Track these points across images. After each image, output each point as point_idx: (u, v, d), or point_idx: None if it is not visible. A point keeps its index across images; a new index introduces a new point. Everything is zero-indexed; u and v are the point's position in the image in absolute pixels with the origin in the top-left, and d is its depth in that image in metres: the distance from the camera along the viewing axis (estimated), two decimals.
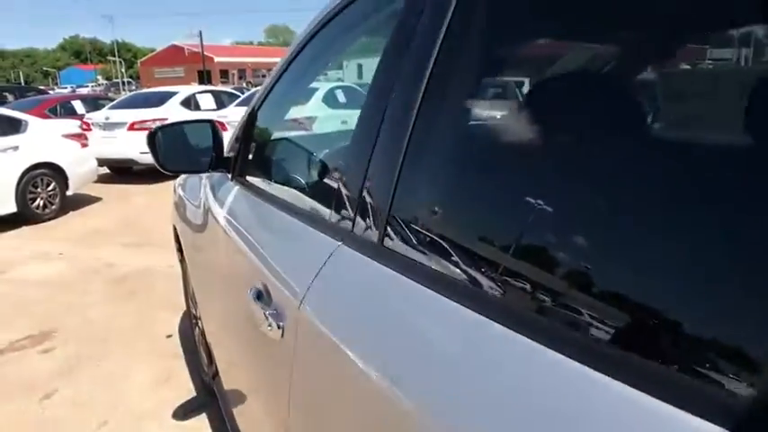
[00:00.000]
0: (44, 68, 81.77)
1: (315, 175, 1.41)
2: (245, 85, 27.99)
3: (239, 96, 10.24)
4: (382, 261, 0.79)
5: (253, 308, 1.14)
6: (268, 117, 1.72)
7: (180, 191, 2.61)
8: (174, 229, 2.73)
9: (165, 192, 5.20)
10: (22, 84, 52.60)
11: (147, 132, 1.67)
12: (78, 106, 10.74)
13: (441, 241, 0.73)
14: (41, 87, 27.35)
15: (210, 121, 1.81)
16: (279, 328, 0.98)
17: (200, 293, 2.23)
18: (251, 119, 1.74)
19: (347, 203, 0.95)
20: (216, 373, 2.09)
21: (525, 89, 0.78)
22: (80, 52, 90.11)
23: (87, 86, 45.52)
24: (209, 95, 10.06)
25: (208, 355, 2.31)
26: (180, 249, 2.73)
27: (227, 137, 1.89)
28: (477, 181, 0.72)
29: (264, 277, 1.13)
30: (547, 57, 0.92)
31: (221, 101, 10.00)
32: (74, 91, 29.40)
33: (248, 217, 1.53)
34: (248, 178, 1.70)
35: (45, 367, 2.95)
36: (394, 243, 0.80)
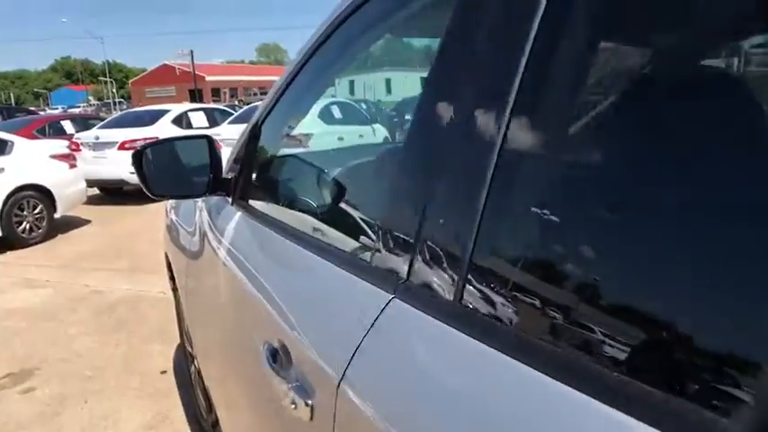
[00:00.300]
0: (35, 89, 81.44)
1: (343, 202, 1.18)
2: (237, 103, 27.83)
3: (232, 114, 10.04)
4: (463, 328, 0.57)
5: (266, 371, 0.91)
6: (274, 133, 1.50)
7: (173, 215, 2.38)
8: (167, 256, 2.50)
9: (157, 213, 4.97)
10: (13, 105, 52.28)
11: (132, 151, 1.44)
12: (68, 126, 10.48)
13: (554, 306, 0.51)
14: (31, 108, 27.09)
15: (207, 137, 1.58)
16: (307, 406, 0.74)
17: (197, 332, 1.99)
18: (253, 135, 1.52)
19: (398, 242, 0.72)
20: (216, 422, 1.84)
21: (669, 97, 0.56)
22: (71, 73, 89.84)
23: (79, 107, 45.25)
24: (202, 113, 9.87)
25: (206, 399, 2.06)
26: (173, 278, 2.50)
27: (224, 156, 1.66)
28: (607, 223, 0.50)
29: (282, 333, 0.90)
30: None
31: (214, 118, 9.80)
32: (65, 111, 29.13)
33: (255, 250, 1.30)
34: (252, 202, 1.48)
35: (26, 410, 2.69)
36: (481, 304, 0.57)
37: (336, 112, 8.61)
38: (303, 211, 1.28)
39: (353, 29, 1.13)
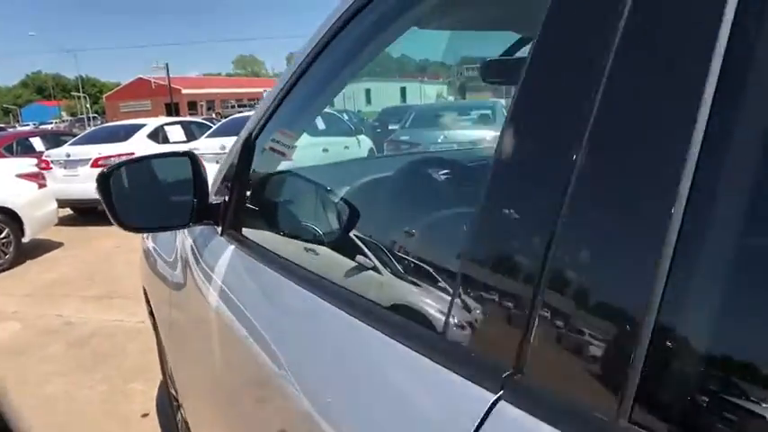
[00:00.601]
0: (5, 105, 79.62)
1: (383, 237, 0.90)
2: (214, 116, 27.42)
3: (210, 127, 9.72)
4: None
5: None
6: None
7: (150, 242, 2.09)
8: (144, 290, 2.21)
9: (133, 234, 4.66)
10: None
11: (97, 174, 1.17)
12: (37, 143, 10.04)
13: None
14: (0, 125, 26.38)
15: (189, 154, 1.31)
16: None
17: (183, 380, 1.71)
18: (246, 151, 1.26)
19: (498, 306, 0.47)
20: None
21: None
22: (43, 88, 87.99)
23: (51, 123, 44.24)
24: (179, 127, 9.54)
25: None
26: (152, 312, 2.21)
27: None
28: None
29: (309, 424, 0.64)
30: None
31: (191, 132, 9.48)
32: (36, 128, 28.34)
33: (256, 297, 1.04)
34: (247, 233, 1.22)
35: None
36: (669, 426, 0.35)
37: (320, 123, 8.37)
38: (319, 246, 1.02)
39: (362, 29, 0.94)
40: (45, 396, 2.99)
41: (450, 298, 0.52)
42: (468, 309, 0.50)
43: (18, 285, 5.16)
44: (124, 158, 1.42)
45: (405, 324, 0.60)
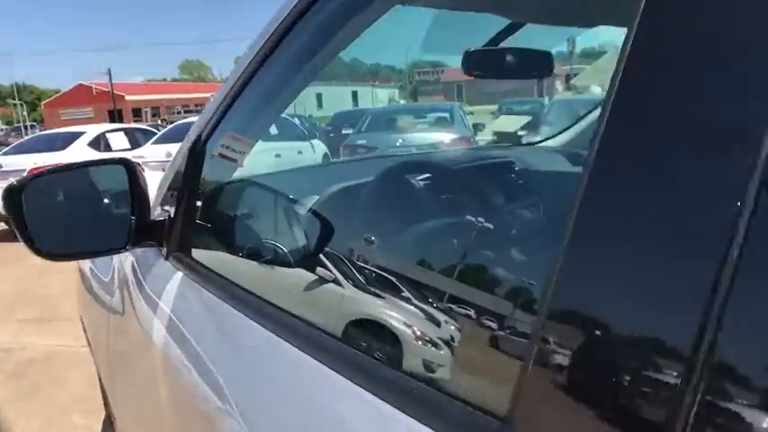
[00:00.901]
0: None
1: (387, 266, 0.70)
2: (159, 122, 26.57)
3: (155, 134, 9.30)
4: None
5: None
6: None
7: (86, 263, 1.85)
8: (82, 321, 1.96)
9: None
10: None
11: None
12: None
13: None
14: None
15: (124, 162, 1.10)
16: None
17: (124, 421, 1.49)
18: (193, 158, 1.06)
19: (608, 394, 0.30)
20: None
21: None
22: None
23: None
24: (122, 134, 9.11)
25: None
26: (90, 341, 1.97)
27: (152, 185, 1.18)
28: None
29: None
30: None
31: (135, 139, 9.05)
32: None
33: (209, 334, 0.85)
34: (197, 255, 1.02)
35: None
36: None
37: (272, 128, 8.13)
38: (287, 272, 0.83)
39: (326, 17, 0.82)
40: None
41: (519, 363, 0.35)
42: (554, 386, 0.32)
43: None
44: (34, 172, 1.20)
45: (428, 394, 0.43)
